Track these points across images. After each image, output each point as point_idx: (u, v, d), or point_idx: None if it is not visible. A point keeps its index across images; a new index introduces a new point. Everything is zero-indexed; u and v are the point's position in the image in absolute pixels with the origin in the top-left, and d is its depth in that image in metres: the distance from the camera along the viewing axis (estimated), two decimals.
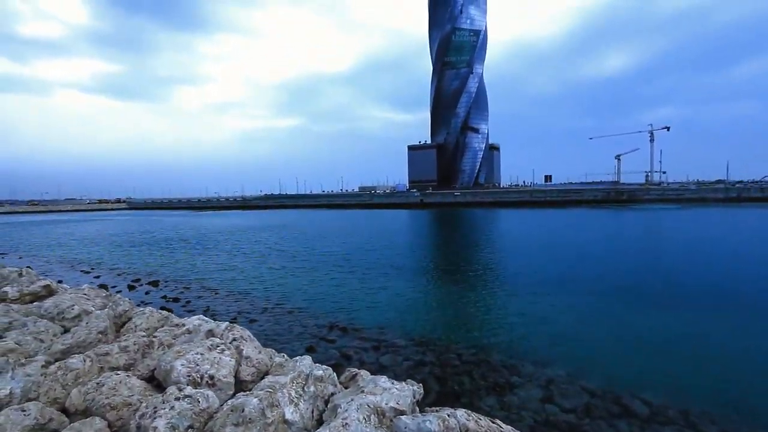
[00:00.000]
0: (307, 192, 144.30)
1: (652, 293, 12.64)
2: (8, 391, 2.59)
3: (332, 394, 3.07)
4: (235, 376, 3.10)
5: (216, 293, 13.96)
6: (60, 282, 8.54)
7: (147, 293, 14.15)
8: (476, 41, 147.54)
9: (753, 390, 6.62)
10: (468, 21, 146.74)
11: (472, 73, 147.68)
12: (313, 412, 2.81)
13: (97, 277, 17.42)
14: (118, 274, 18.01)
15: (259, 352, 3.58)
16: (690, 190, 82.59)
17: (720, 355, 8.07)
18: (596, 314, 10.79)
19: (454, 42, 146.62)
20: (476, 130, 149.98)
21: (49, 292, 5.40)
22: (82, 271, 19.13)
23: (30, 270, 7.61)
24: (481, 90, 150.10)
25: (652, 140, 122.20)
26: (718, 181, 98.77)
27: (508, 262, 19.46)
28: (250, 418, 2.39)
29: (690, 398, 6.30)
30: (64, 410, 2.64)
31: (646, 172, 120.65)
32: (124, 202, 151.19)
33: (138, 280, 16.27)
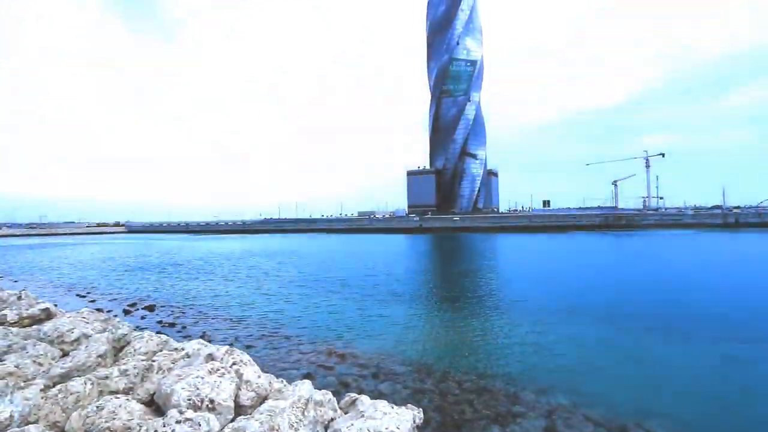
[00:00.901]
0: (307, 216, 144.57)
1: (656, 321, 12.51)
2: (8, 414, 2.58)
3: (332, 419, 3.05)
4: (235, 401, 3.09)
5: (212, 319, 13.79)
6: (55, 305, 8.47)
7: (143, 318, 13.98)
8: (473, 70, 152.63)
9: (759, 422, 6.49)
10: (465, 52, 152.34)
11: (470, 101, 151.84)
12: None
13: (93, 301, 17.23)
14: (114, 299, 17.82)
15: (259, 377, 3.57)
16: (688, 215, 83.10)
17: (725, 385, 7.94)
18: (599, 342, 10.64)
19: (451, 71, 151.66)
20: (474, 156, 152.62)
21: (48, 315, 5.39)
22: (77, 295, 18.93)
23: (28, 293, 7.58)
24: (478, 117, 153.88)
25: (648, 166, 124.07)
26: (715, 207, 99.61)
27: (509, 288, 19.33)
28: None
29: (695, 429, 6.17)
30: None
31: (643, 197, 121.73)
32: (122, 225, 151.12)
33: (134, 305, 16.10)
